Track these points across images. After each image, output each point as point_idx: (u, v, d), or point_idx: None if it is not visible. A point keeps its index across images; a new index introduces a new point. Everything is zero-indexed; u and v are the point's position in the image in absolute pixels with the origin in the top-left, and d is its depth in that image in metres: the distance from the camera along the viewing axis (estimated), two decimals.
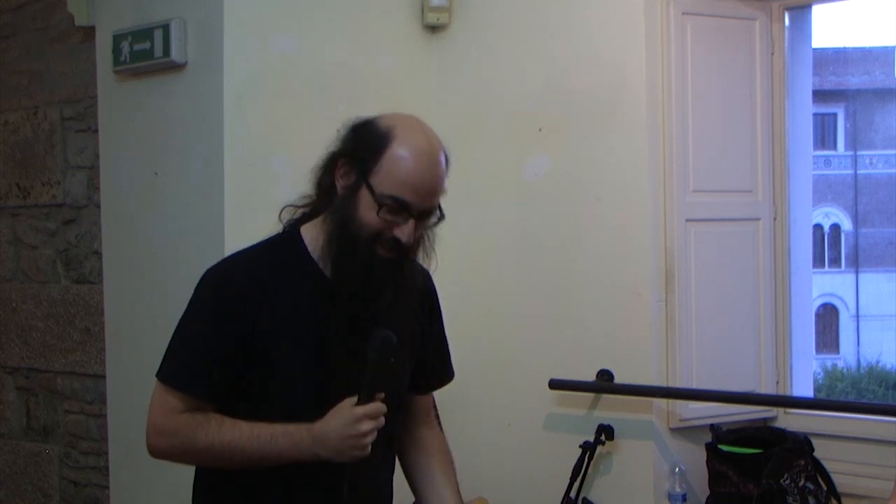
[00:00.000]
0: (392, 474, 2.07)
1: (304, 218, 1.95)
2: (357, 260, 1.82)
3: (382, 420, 1.80)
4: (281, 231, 1.96)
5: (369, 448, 1.78)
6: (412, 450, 2.09)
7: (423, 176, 1.81)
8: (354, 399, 1.78)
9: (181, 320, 1.90)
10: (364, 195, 1.81)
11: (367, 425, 1.77)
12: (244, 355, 1.83)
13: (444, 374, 2.15)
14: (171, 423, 1.84)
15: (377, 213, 1.79)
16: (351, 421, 1.77)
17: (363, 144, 1.83)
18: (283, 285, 1.87)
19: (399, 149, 1.81)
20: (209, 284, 1.90)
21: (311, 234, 1.91)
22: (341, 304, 1.84)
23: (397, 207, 1.79)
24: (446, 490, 2.05)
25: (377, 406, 1.79)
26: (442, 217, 1.87)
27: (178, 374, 1.86)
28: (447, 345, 2.14)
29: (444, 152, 1.87)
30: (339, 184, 1.85)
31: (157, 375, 1.88)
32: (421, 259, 1.92)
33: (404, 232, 1.81)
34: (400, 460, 2.10)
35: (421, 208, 1.82)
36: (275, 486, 1.88)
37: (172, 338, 1.90)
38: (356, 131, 1.87)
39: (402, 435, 2.08)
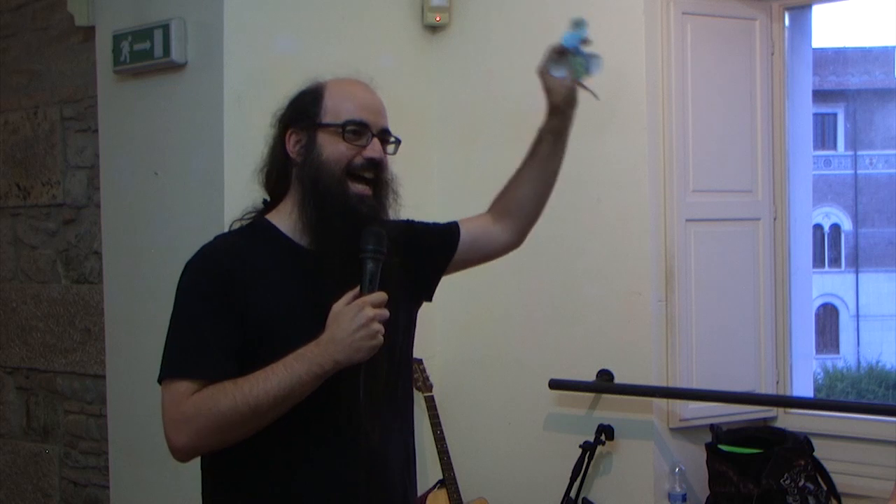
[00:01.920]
0: (412, 438, 2.05)
1: (267, 208, 1.99)
2: (338, 198, 1.86)
3: (386, 312, 1.77)
4: (247, 221, 1.99)
5: (381, 337, 1.76)
6: (502, 203, 2.33)
7: (366, 95, 1.94)
8: (346, 300, 1.77)
9: (172, 315, 1.87)
10: (322, 138, 1.89)
11: (371, 311, 1.75)
12: (242, 332, 1.81)
13: (449, 228, 2.22)
14: (186, 407, 1.76)
15: (343, 139, 1.88)
16: (355, 312, 1.74)
17: (302, 105, 1.94)
18: (264, 262, 1.88)
19: (335, 86, 1.94)
20: (193, 271, 1.89)
21: (279, 216, 1.95)
22: (330, 261, 1.84)
23: (358, 128, 1.89)
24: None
25: (378, 294, 1.77)
26: (398, 141, 1.97)
27: (182, 362, 1.82)
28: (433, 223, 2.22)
29: None
30: (294, 151, 1.92)
31: (159, 379, 1.83)
32: (391, 207, 1.95)
33: (373, 149, 1.90)
34: (507, 207, 2.34)
35: (377, 127, 1.92)
36: (283, 480, 1.85)
37: (167, 335, 1.86)
38: (290, 104, 1.96)
39: (496, 224, 2.31)
